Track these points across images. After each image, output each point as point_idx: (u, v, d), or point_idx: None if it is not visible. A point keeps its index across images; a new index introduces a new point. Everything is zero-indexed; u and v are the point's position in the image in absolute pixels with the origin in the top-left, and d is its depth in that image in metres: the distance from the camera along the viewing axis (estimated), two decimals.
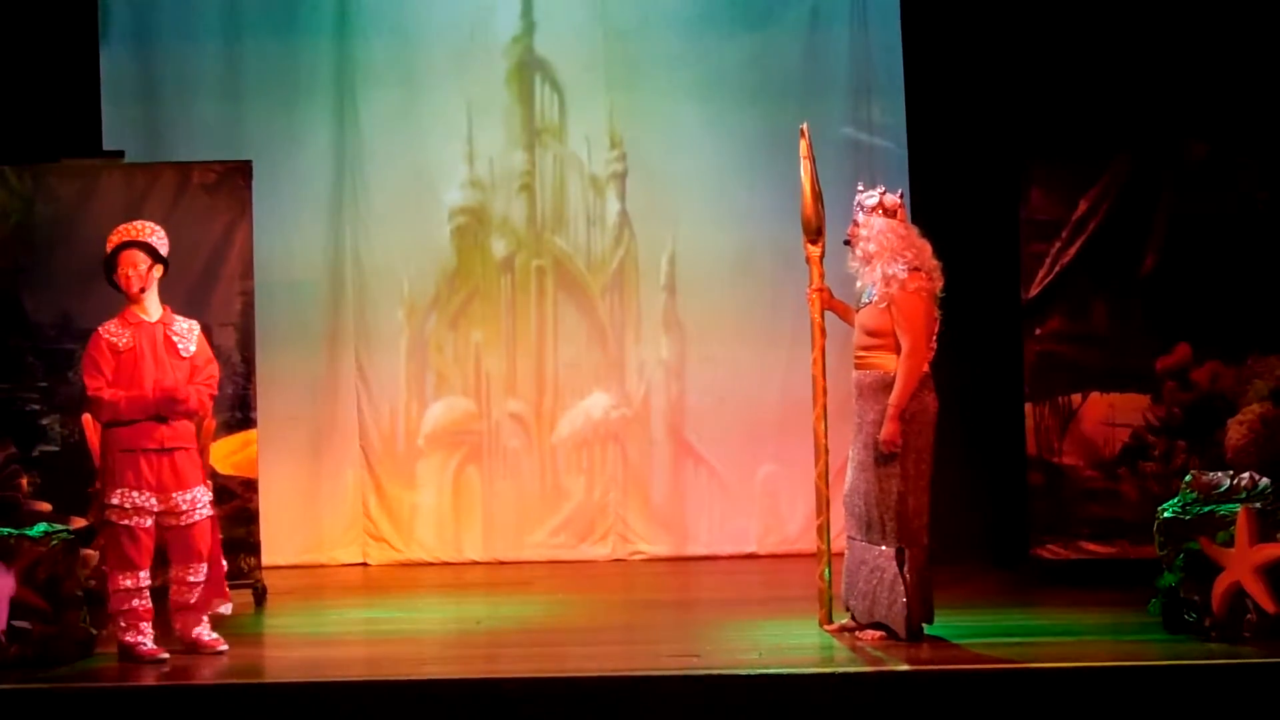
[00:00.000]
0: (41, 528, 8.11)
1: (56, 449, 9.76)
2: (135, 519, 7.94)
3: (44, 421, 9.83)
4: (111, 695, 7.30)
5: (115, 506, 7.95)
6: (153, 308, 8.18)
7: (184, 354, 8.18)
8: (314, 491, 11.42)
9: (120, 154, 10.37)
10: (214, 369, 8.33)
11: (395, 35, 11.47)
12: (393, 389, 11.49)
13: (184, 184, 10.00)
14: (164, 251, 8.21)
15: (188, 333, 8.25)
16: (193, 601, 8.10)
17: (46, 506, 8.39)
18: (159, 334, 8.16)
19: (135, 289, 8.11)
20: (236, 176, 10.04)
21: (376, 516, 11.45)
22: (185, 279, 9.46)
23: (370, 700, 7.13)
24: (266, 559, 10.13)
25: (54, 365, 9.87)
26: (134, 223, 8.30)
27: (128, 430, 7.99)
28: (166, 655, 7.94)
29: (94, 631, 8.11)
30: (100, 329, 8.15)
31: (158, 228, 8.27)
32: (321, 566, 11.29)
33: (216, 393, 8.44)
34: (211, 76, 11.39)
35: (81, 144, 10.62)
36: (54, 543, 8.05)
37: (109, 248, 8.18)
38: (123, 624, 7.96)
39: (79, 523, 8.45)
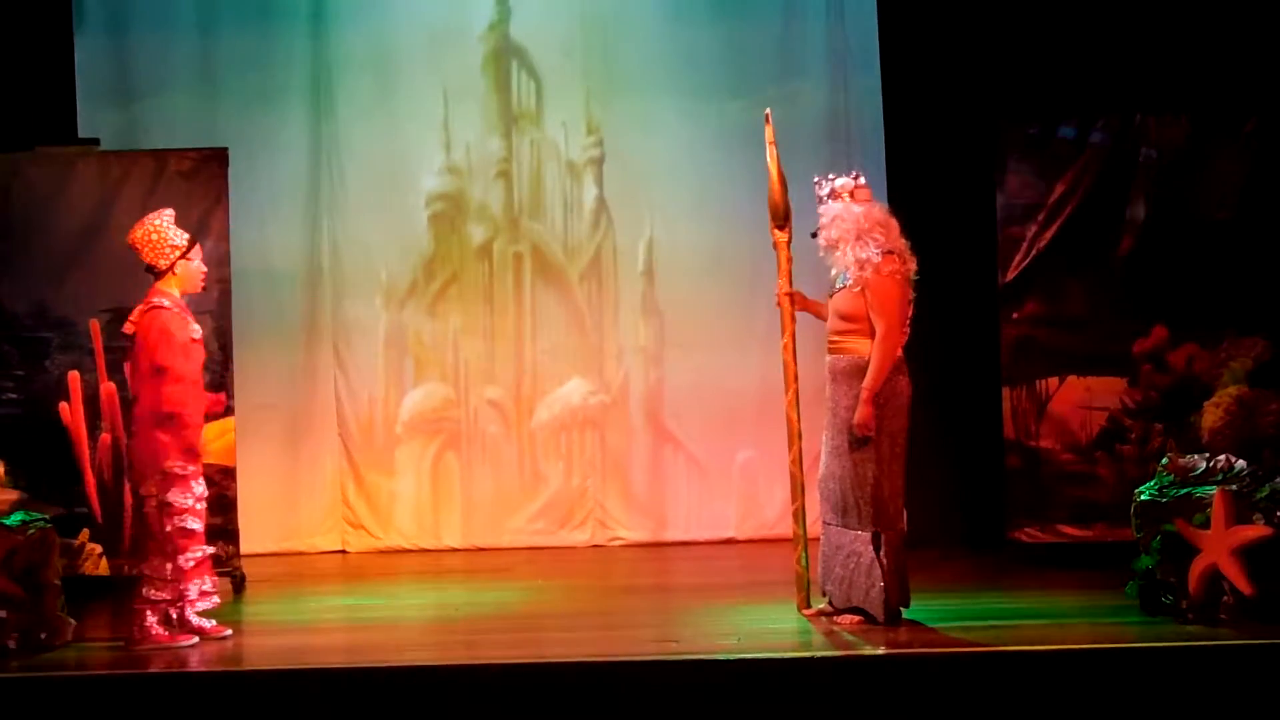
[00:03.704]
0: (19, 516, 8.09)
1: (33, 437, 9.73)
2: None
3: (20, 410, 9.80)
4: (91, 683, 7.28)
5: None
6: None
7: None
8: (292, 479, 11.40)
9: (95, 142, 10.32)
10: None
11: (371, 23, 11.46)
12: (371, 376, 11.48)
13: (160, 172, 9.96)
14: None
15: None
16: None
17: (17, 495, 8.35)
18: None
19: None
20: (213, 163, 9.99)
21: (355, 504, 11.44)
22: None
23: (350, 687, 7.13)
24: (245, 547, 10.10)
25: (30, 354, 9.83)
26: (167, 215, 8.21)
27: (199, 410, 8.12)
28: (228, 632, 8.12)
29: (71, 620, 8.09)
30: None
31: None
32: (300, 554, 11.29)
33: None
34: (187, 66, 11.35)
35: (56, 132, 10.56)
36: (31, 531, 8.03)
37: (179, 237, 8.07)
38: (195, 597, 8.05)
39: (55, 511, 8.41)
